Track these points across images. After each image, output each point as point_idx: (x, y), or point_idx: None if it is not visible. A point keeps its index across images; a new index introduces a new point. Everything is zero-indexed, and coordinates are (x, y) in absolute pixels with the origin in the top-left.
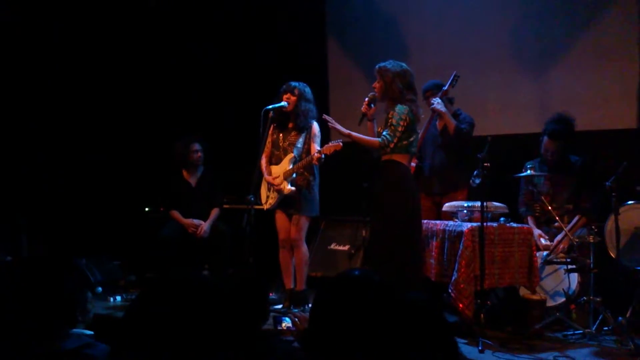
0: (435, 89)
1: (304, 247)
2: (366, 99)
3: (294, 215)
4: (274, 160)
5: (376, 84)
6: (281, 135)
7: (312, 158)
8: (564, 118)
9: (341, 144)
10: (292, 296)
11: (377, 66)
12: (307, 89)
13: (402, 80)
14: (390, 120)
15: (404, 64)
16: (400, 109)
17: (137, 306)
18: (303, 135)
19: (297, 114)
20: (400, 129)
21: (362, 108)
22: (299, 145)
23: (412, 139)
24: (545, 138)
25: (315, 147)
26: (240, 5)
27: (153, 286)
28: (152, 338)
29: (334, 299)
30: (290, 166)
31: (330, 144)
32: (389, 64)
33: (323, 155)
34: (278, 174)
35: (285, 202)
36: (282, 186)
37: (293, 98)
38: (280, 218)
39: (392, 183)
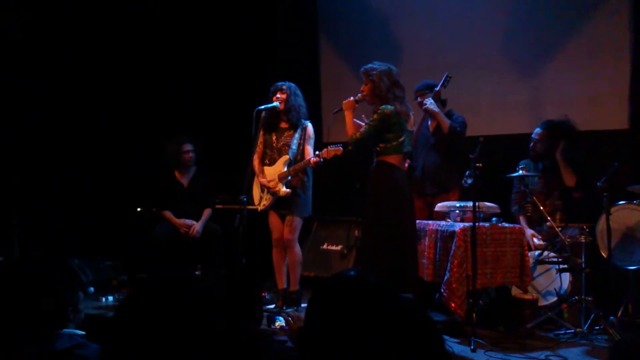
0: (426, 90)
1: (297, 248)
2: (352, 98)
3: (287, 216)
4: (268, 161)
5: (364, 87)
6: (274, 135)
7: (308, 162)
8: (564, 118)
9: (342, 148)
10: (285, 296)
11: (362, 68)
12: (296, 87)
13: (389, 77)
14: (371, 119)
15: (388, 64)
16: (384, 109)
17: (127, 306)
18: (297, 135)
19: (289, 110)
20: (372, 130)
21: (344, 101)
22: (294, 147)
23: (402, 139)
24: (537, 128)
25: (309, 148)
26: (231, 5)
27: (143, 286)
28: (143, 338)
29: (330, 299)
30: (285, 168)
31: (330, 148)
32: (374, 64)
33: (322, 159)
34: (272, 176)
35: (279, 203)
36: (277, 188)
37: (283, 96)
38: (273, 218)
39: (384, 184)
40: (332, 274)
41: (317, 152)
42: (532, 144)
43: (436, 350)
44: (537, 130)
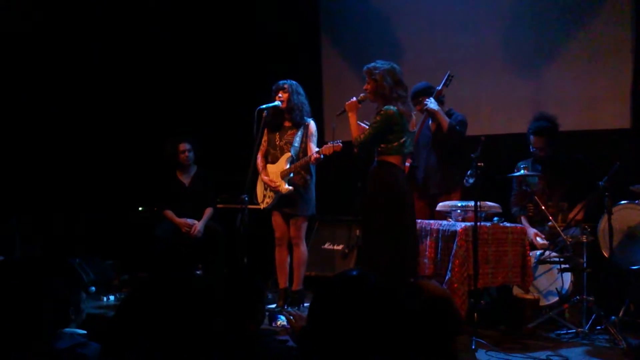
0: (423, 94)
1: (303, 247)
2: (354, 98)
3: (291, 215)
4: (270, 159)
5: (367, 86)
6: (277, 134)
7: (310, 158)
8: (545, 115)
9: (341, 144)
10: (286, 296)
11: (365, 67)
12: (298, 85)
13: (392, 77)
14: (373, 120)
15: (391, 62)
16: (387, 109)
17: (128, 305)
18: (299, 133)
19: (292, 109)
20: (375, 131)
21: (346, 103)
22: (296, 144)
23: (403, 139)
24: (532, 137)
25: (312, 146)
26: (233, 4)
27: (144, 285)
28: (143, 337)
29: (332, 299)
30: (287, 165)
31: (330, 144)
32: (377, 63)
33: (322, 156)
34: (275, 174)
35: (282, 202)
36: (279, 186)
37: (285, 95)
38: (276, 217)
39: (384, 184)
40: (333, 273)
41: (317, 149)
42: (538, 153)
43: (440, 349)
44: (532, 139)
